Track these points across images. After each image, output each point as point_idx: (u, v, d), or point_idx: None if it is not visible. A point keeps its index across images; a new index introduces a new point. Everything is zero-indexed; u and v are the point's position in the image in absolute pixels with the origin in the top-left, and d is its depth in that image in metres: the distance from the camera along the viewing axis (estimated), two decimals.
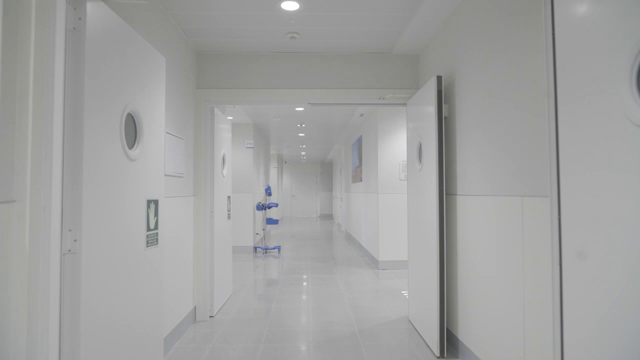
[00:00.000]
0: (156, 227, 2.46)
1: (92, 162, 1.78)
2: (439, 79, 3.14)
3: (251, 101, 4.12)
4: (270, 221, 8.77)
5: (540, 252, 1.94)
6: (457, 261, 3.06)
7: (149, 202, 2.36)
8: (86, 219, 1.73)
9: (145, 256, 2.32)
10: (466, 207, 2.90)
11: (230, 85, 4.08)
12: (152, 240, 2.40)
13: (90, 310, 1.76)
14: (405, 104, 4.13)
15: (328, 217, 19.30)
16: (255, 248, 8.31)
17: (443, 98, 3.17)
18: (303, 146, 12.85)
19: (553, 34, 1.72)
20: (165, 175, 3.12)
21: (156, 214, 2.46)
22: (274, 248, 8.30)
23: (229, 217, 4.80)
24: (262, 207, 8.38)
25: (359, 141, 8.81)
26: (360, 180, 8.62)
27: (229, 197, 4.83)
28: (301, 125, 8.59)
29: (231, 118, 7.63)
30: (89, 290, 1.75)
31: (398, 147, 6.51)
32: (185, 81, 3.74)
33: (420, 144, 3.56)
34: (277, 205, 8.64)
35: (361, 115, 7.45)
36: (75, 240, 1.69)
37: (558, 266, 1.67)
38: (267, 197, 9.03)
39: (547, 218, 1.86)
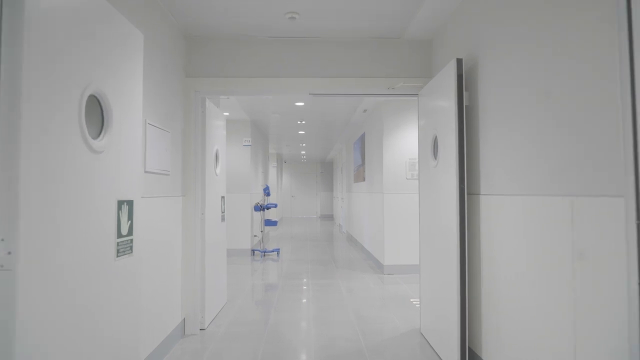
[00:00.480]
0: (130, 233, 2.08)
1: (36, 153, 1.39)
2: (459, 62, 2.76)
3: (246, 91, 3.74)
4: (269, 223, 8.38)
5: (603, 263, 1.56)
6: (480, 269, 2.68)
7: (120, 203, 1.98)
8: (27, 225, 1.35)
9: (115, 268, 1.93)
10: (492, 209, 2.51)
11: (222, 74, 3.69)
12: (124, 248, 2.01)
13: (33, 342, 1.37)
14: (416, 95, 3.74)
15: (329, 217, 18.92)
16: (253, 251, 7.92)
17: (464, 84, 2.78)
18: (303, 145, 12.47)
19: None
20: (146, 172, 2.74)
21: (130, 217, 2.08)
22: (272, 251, 7.92)
23: (222, 219, 4.41)
24: (260, 207, 7.99)
25: (362, 139, 8.42)
26: (363, 179, 8.23)
27: (222, 197, 4.44)
28: (301, 122, 8.21)
29: (227, 114, 7.25)
30: (32, 316, 1.36)
31: (404, 144, 6.13)
32: (172, 68, 3.35)
33: (436, 138, 3.17)
34: (275, 206, 8.26)
35: (364, 111, 7.06)
36: (9, 253, 1.30)
37: (638, 285, 1.29)
38: (266, 198, 8.64)
39: (614, 221, 1.47)
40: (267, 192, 8.47)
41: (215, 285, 4.06)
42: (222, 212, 4.39)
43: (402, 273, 6.01)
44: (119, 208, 1.97)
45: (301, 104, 6.53)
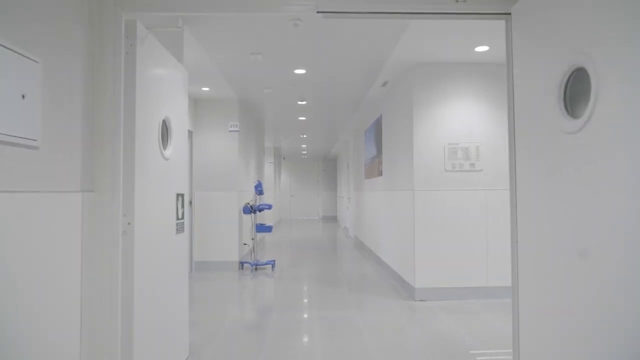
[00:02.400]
0: None
1: None
2: None
3: (210, 6, 2.13)
4: (262, 228, 6.76)
5: None
6: None
7: None
8: None
9: None
10: None
11: None
12: None
13: None
14: (503, 15, 2.15)
15: (331, 219, 17.30)
16: (241, 263, 6.31)
17: None
18: (304, 136, 10.87)
19: None
20: None
21: None
22: (266, 263, 6.31)
23: (179, 230, 2.81)
24: (250, 209, 6.39)
25: (377, 124, 6.81)
26: (379, 174, 6.62)
27: (179, 195, 2.84)
28: (301, 102, 6.59)
29: (207, 89, 5.65)
30: None
31: (443, 124, 4.52)
32: None
33: (574, 74, 1.57)
34: (270, 207, 6.65)
35: (384, 84, 5.45)
36: None
37: None
38: (258, 197, 7.03)
39: None
40: (259, 190, 6.86)
41: (160, 339, 2.46)
42: (177, 219, 2.79)
43: (441, 299, 4.40)
44: None
45: (301, 71, 4.92)
